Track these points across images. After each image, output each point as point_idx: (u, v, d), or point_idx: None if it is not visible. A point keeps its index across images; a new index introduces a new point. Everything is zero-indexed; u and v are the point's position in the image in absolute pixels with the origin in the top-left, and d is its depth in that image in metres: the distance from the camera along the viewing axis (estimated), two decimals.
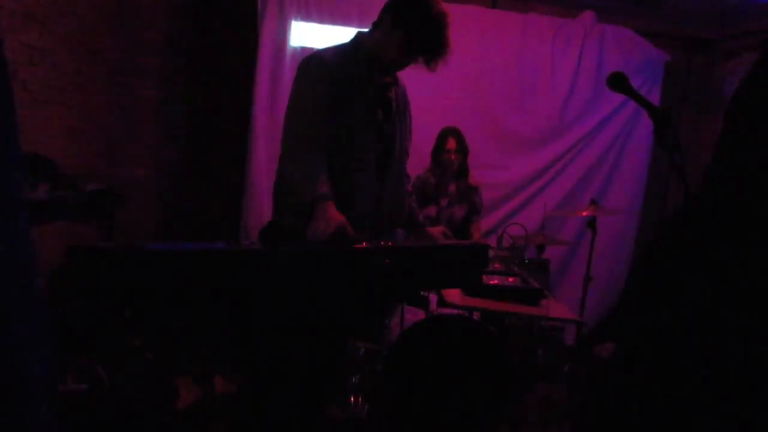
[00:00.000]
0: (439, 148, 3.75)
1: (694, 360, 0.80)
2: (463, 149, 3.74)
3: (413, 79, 2.26)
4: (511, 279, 2.91)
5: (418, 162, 3.49)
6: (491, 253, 3.16)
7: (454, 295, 2.74)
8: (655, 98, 4.48)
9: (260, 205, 4.10)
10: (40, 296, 0.46)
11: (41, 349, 0.45)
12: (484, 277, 2.79)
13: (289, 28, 4.17)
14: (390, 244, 1.95)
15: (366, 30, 2.19)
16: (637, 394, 0.85)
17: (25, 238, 0.44)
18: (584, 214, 3.55)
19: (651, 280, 0.88)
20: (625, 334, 0.93)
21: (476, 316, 3.03)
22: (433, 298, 3.12)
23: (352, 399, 2.88)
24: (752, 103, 0.84)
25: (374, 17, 2.16)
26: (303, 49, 4.13)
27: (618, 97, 4.15)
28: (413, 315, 3.18)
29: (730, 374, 0.78)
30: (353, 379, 2.90)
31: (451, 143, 3.70)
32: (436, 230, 2.47)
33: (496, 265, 3.14)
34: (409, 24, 2.03)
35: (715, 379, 0.78)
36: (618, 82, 1.58)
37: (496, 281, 2.83)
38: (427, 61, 2.06)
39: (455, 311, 2.82)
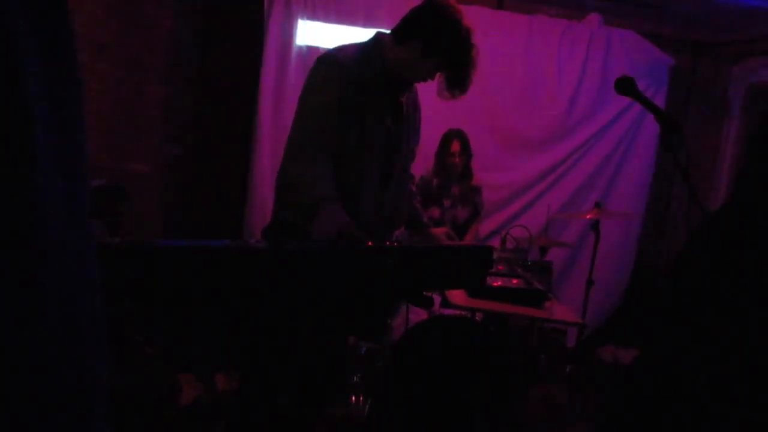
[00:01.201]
0: (443, 150, 3.72)
1: (739, 363, 0.79)
2: (467, 152, 3.72)
3: None
4: (514, 281, 2.91)
5: (422, 163, 3.49)
6: (495, 254, 3.17)
7: (457, 295, 2.75)
8: (660, 101, 4.47)
9: (264, 203, 4.11)
10: (102, 302, 0.45)
11: (104, 356, 0.43)
12: (487, 278, 2.79)
13: (296, 27, 4.18)
14: (395, 244, 1.95)
15: (385, 32, 2.16)
16: (673, 395, 0.84)
17: (93, 252, 0.44)
18: (588, 216, 3.54)
19: (688, 284, 0.88)
20: (658, 337, 0.92)
21: (479, 317, 3.03)
22: (436, 298, 3.12)
23: (352, 398, 2.88)
24: None
25: (381, 16, 2.16)
26: (309, 47, 4.13)
27: (623, 100, 4.14)
28: (418, 315, 3.19)
29: None
30: (354, 379, 2.90)
31: (455, 146, 3.68)
32: (440, 231, 2.47)
33: (500, 267, 3.14)
34: (444, 55, 2.03)
35: (758, 380, 0.78)
36: (626, 86, 1.58)
37: (499, 283, 2.83)
38: (452, 87, 2.07)
39: (459, 312, 2.82)
